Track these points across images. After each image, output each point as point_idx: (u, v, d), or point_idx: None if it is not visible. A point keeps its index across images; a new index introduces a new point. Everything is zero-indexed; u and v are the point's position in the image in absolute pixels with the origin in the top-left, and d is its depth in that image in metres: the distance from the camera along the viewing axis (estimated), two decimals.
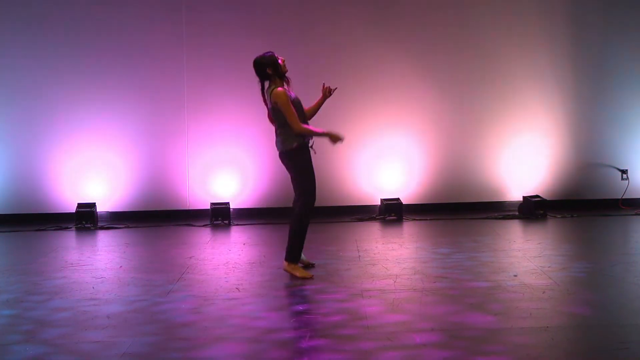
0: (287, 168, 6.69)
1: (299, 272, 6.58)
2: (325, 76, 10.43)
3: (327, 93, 6.98)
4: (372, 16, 10.68)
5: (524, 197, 10.46)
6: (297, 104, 6.61)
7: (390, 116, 10.70)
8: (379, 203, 10.56)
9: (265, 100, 6.68)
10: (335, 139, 6.59)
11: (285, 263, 6.63)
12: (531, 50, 10.79)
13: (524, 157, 10.82)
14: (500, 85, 10.79)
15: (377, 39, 10.65)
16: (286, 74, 6.65)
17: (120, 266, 7.33)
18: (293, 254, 6.62)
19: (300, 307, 5.72)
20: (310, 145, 6.64)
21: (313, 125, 6.71)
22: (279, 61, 6.59)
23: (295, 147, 6.54)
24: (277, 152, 6.71)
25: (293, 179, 6.66)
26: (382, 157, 10.73)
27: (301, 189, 6.59)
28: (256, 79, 6.68)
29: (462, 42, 10.75)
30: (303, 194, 6.57)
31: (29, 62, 10.40)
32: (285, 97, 6.46)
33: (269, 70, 6.58)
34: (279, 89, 6.50)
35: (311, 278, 6.52)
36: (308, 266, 6.85)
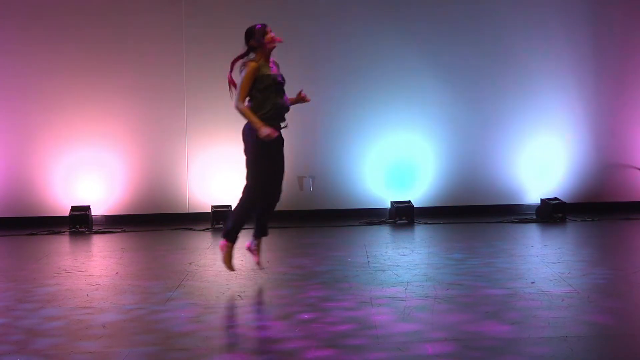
0: (243, 142, 6.81)
1: (227, 258, 6.75)
2: (333, 73, 10.50)
3: (299, 98, 6.92)
4: (383, 13, 10.66)
5: (541, 200, 10.45)
6: (274, 81, 6.60)
7: (401, 115, 10.68)
8: (389, 206, 10.55)
9: (233, 62, 6.72)
10: (263, 134, 6.52)
11: (222, 240, 6.78)
12: (549, 46, 10.75)
13: (542, 157, 10.80)
14: (516, 82, 10.77)
15: (390, 37, 10.63)
16: (271, 49, 6.66)
17: (116, 272, 7.34)
18: (229, 233, 6.77)
19: (306, 316, 5.71)
20: (284, 125, 6.69)
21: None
22: (268, 35, 6.61)
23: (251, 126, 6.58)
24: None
25: (246, 160, 6.79)
26: (392, 158, 10.72)
27: (246, 177, 6.76)
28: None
29: (477, 40, 10.72)
30: (246, 185, 6.75)
31: (21, 60, 10.42)
32: (250, 72, 6.51)
33: (252, 43, 6.64)
34: (251, 62, 6.55)
35: (231, 270, 6.76)
36: (252, 252, 7.01)
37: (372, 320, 5.46)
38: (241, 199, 6.75)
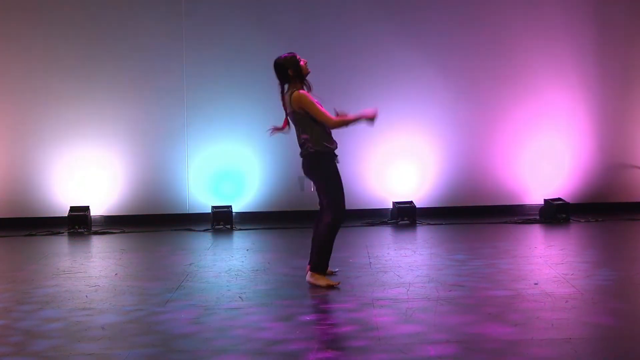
0: (312, 175, 6.67)
1: (324, 281, 6.55)
2: (334, 72, 10.50)
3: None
4: (385, 10, 10.66)
5: (545, 200, 10.44)
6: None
7: (404, 115, 10.68)
8: (391, 206, 10.55)
9: (284, 104, 6.63)
10: (371, 118, 6.55)
11: (309, 274, 6.61)
12: (553, 46, 10.75)
13: (546, 157, 10.80)
14: (519, 82, 10.77)
15: (391, 34, 10.63)
16: (307, 77, 6.61)
17: (116, 273, 7.34)
18: (320, 266, 6.60)
19: (308, 317, 5.72)
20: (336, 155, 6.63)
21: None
22: (301, 62, 6.57)
23: (325, 151, 6.53)
24: (301, 159, 6.66)
25: (319, 187, 6.64)
26: (395, 158, 10.73)
27: (328, 199, 6.57)
28: (272, 80, 6.65)
29: (479, 38, 10.72)
30: (330, 205, 6.55)
31: (20, 59, 10.42)
32: (308, 98, 6.45)
33: (290, 72, 6.55)
34: (300, 91, 6.48)
35: (337, 285, 6.52)
36: (329, 275, 6.83)
37: (373, 321, 5.46)
38: (328, 226, 6.54)
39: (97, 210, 10.51)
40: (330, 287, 6.48)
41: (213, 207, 10.26)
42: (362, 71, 10.61)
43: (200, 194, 10.64)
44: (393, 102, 10.63)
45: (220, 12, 10.55)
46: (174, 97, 10.59)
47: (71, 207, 10.22)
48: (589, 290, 6.24)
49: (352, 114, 6.59)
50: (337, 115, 6.62)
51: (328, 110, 6.50)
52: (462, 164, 10.80)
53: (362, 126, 10.45)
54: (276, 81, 6.68)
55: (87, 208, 10.23)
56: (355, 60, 10.63)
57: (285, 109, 6.64)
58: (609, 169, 10.90)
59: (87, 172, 10.51)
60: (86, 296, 6.41)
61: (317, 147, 6.52)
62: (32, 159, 10.50)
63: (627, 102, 10.89)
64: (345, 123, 6.56)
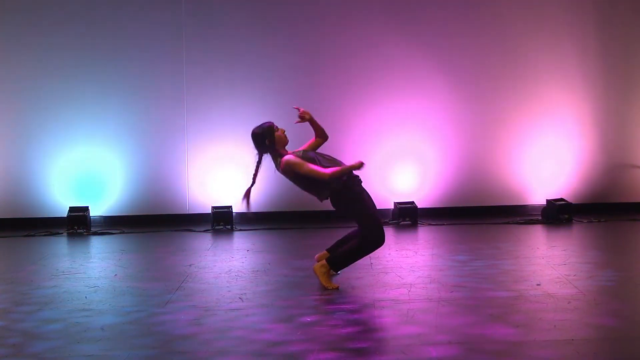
0: (340, 211, 6.76)
1: (325, 279, 6.54)
2: (334, 72, 10.50)
3: (306, 116, 6.84)
4: (386, 10, 10.66)
5: (547, 201, 10.44)
6: (311, 153, 6.61)
7: (405, 114, 10.68)
8: (392, 207, 10.55)
9: (255, 174, 6.71)
10: (359, 166, 6.51)
11: (321, 262, 6.60)
12: (556, 45, 10.75)
13: (548, 157, 10.80)
14: (522, 81, 10.77)
15: (391, 33, 10.63)
16: (286, 143, 6.67)
17: (115, 274, 7.34)
18: (338, 265, 6.64)
19: (308, 319, 5.71)
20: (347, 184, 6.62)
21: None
22: (278, 132, 6.61)
23: (333, 192, 6.55)
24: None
25: (352, 218, 6.70)
26: (396, 158, 10.72)
27: (362, 225, 6.58)
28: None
29: (481, 37, 10.73)
30: (366, 228, 6.55)
31: (18, 59, 10.42)
32: (297, 162, 6.47)
33: (267, 142, 6.59)
34: (285, 157, 6.51)
35: (337, 289, 6.50)
36: (332, 275, 6.82)
37: (375, 322, 5.47)
38: (364, 241, 6.55)
39: (97, 210, 10.50)
40: (327, 289, 6.48)
41: (213, 208, 10.26)
42: (363, 71, 10.61)
43: (201, 194, 10.63)
44: (394, 102, 10.65)
45: (220, 13, 10.55)
46: (174, 97, 10.58)
47: (70, 207, 10.22)
48: (592, 291, 6.23)
49: (344, 166, 6.53)
50: (300, 113, 6.75)
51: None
52: (463, 164, 10.80)
53: (362, 126, 10.56)
54: (276, 81, 6.68)
55: (86, 208, 10.23)
56: (357, 61, 10.62)
57: (254, 178, 6.75)
58: (611, 169, 10.90)
59: (86, 172, 10.50)
60: (85, 297, 6.41)
61: (323, 195, 6.61)
62: (31, 159, 10.49)
63: (630, 103, 10.89)
64: (340, 174, 6.48)
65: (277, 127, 6.65)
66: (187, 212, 10.67)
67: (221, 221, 10.12)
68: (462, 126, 10.79)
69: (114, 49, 10.50)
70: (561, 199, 10.42)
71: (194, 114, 10.60)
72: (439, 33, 10.71)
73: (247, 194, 6.80)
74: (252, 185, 6.77)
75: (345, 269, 7.05)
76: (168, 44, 10.55)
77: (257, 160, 6.71)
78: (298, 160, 6.49)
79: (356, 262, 6.73)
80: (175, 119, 10.61)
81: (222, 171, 10.59)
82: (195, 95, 10.58)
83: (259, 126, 6.66)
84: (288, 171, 6.54)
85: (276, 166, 6.65)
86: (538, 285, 6.43)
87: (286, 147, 6.67)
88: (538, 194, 10.77)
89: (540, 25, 10.75)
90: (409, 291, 6.33)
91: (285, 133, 6.67)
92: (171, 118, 10.62)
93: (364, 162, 6.48)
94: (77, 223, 10.01)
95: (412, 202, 10.44)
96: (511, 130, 10.82)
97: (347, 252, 6.61)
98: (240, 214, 10.47)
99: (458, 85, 10.74)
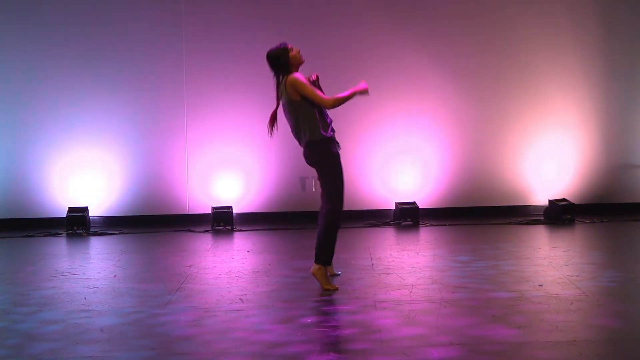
0: (313, 164, 6.67)
1: (324, 280, 6.52)
2: (335, 72, 10.49)
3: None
4: (387, 9, 10.66)
5: (549, 201, 10.44)
6: (316, 87, 6.60)
7: (406, 115, 10.68)
8: (393, 207, 10.55)
9: (278, 96, 6.63)
10: (363, 92, 6.55)
11: (315, 266, 6.57)
12: (558, 44, 10.75)
13: (550, 157, 10.80)
14: (524, 80, 10.77)
15: (393, 33, 10.64)
16: (300, 64, 6.64)
17: (115, 275, 7.34)
18: (321, 258, 6.56)
19: (309, 320, 5.72)
20: (335, 141, 6.62)
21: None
22: (293, 52, 6.60)
23: (323, 139, 6.52)
24: (301, 150, 6.64)
25: (319, 176, 6.63)
26: (397, 158, 10.72)
27: (328, 189, 6.56)
28: (272, 79, 6.65)
29: (483, 36, 10.73)
30: (330, 194, 6.54)
31: (17, 59, 10.43)
32: (301, 81, 6.45)
33: (284, 62, 6.57)
34: (293, 74, 6.50)
35: (336, 290, 6.48)
36: (332, 276, 6.83)
37: (376, 324, 5.46)
38: (328, 219, 6.52)
39: (96, 211, 10.50)
40: (327, 290, 6.47)
41: (213, 208, 10.26)
42: (364, 72, 10.55)
43: (200, 194, 10.63)
44: (395, 102, 10.64)
45: (220, 12, 10.55)
46: (174, 97, 10.58)
47: (69, 207, 10.22)
48: (594, 292, 6.23)
49: (347, 91, 6.55)
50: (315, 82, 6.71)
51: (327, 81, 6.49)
52: (465, 164, 10.80)
53: (363, 126, 10.55)
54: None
55: (85, 209, 10.23)
56: (357, 61, 10.60)
57: (277, 101, 6.64)
58: (614, 169, 10.90)
59: (85, 172, 10.50)
60: (85, 298, 6.41)
61: (313, 137, 6.52)
62: (31, 160, 10.49)
63: (633, 102, 10.88)
64: (340, 101, 6.53)
65: (292, 47, 6.64)
66: (187, 213, 10.67)
67: (221, 222, 10.12)
68: (464, 126, 10.79)
69: (113, 49, 10.50)
70: (563, 199, 10.41)
71: (194, 114, 10.60)
72: (442, 34, 10.70)
73: (273, 118, 6.71)
74: (276, 108, 6.68)
75: (346, 270, 7.06)
76: (168, 44, 10.55)
77: (275, 82, 6.65)
78: (305, 80, 6.49)
79: (336, 241, 6.59)
80: (175, 119, 10.61)
81: (222, 171, 10.59)
82: (195, 96, 10.58)
83: (274, 48, 6.65)
84: (291, 89, 6.47)
85: (283, 85, 6.55)
86: (540, 286, 6.42)
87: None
88: (540, 194, 10.77)
89: (543, 26, 10.75)
90: (411, 292, 6.33)
91: (300, 52, 6.64)
92: (171, 118, 10.62)
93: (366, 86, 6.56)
94: (77, 223, 10.01)
95: (414, 203, 10.44)
96: (513, 130, 10.81)
97: (321, 240, 6.55)
98: (240, 214, 10.48)
99: (460, 86, 10.74)
